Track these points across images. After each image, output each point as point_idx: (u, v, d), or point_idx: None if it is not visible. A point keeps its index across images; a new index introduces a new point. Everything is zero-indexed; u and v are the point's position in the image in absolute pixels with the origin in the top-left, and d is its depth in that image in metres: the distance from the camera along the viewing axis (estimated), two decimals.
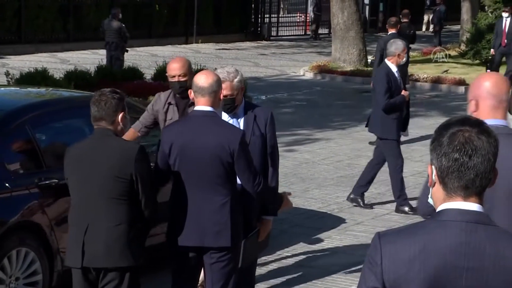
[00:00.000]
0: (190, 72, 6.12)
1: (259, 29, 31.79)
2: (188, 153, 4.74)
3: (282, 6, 39.58)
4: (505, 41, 18.04)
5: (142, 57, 22.87)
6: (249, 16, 31.58)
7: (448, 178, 2.44)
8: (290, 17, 37.76)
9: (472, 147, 2.42)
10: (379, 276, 2.41)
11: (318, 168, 10.81)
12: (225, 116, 5.20)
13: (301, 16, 36.91)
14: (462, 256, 2.37)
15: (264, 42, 30.35)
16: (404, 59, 9.09)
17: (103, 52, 19.32)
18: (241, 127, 5.18)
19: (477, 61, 21.32)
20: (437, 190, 2.49)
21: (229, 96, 5.15)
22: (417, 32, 19.89)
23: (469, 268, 2.37)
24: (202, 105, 4.82)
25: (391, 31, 13.15)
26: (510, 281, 2.37)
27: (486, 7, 23.79)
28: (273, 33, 32.29)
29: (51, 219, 5.83)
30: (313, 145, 12.42)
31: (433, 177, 2.48)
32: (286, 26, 34.08)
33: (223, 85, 5.04)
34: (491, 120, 3.54)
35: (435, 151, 2.47)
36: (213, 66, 18.14)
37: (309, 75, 21.10)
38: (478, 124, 2.46)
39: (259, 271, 6.66)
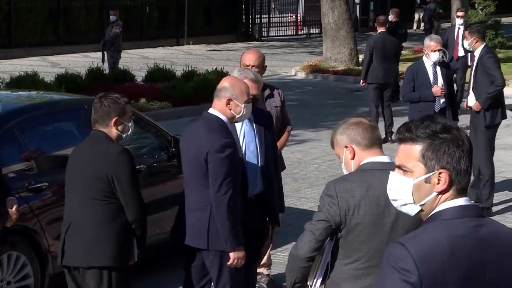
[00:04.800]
0: (263, 66, 6.29)
1: (250, 29, 31.77)
2: (183, 154, 4.94)
3: (272, 6, 39.56)
4: (457, 54, 14.73)
5: (133, 59, 22.82)
6: (239, 17, 31.55)
7: (464, 179, 2.45)
8: (281, 17, 37.75)
9: (472, 146, 2.49)
10: (418, 285, 2.34)
11: (310, 168, 10.81)
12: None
13: (292, 16, 36.91)
14: (483, 251, 2.40)
15: (255, 43, 30.32)
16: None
17: (94, 55, 19.32)
18: (253, 130, 5.19)
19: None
20: (448, 193, 2.47)
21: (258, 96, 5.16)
22: (408, 31, 19.88)
23: (491, 260, 2.41)
24: (211, 108, 4.91)
25: (380, 29, 13.16)
26: None
27: (476, 4, 23.81)
28: (264, 34, 32.26)
29: (42, 222, 5.81)
30: (305, 144, 12.42)
31: (448, 180, 2.46)
32: (277, 27, 34.07)
33: (255, 85, 5.06)
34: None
35: (448, 155, 2.44)
36: (204, 67, 18.12)
37: (300, 75, 21.09)
38: (452, 122, 2.54)
39: None
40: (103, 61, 17.54)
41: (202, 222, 4.79)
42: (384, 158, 3.65)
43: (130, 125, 4.85)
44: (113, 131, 4.75)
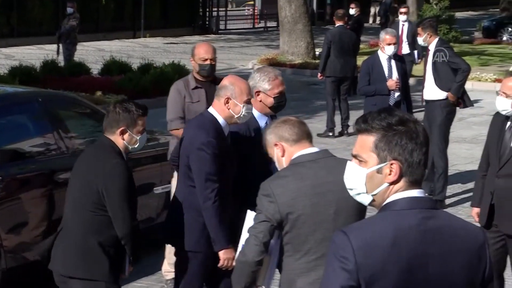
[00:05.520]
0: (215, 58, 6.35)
1: (207, 22, 31.70)
2: (180, 151, 4.83)
3: None
4: (402, 51, 14.41)
5: (89, 52, 22.60)
6: (196, 10, 31.46)
7: (417, 171, 2.48)
8: (238, 10, 37.72)
9: (428, 140, 2.51)
10: (354, 274, 2.38)
11: None
12: (262, 118, 4.91)
13: (249, 10, 36.91)
14: (427, 242, 2.41)
15: (212, 36, 30.26)
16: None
17: (49, 47, 19.09)
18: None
19: (424, 52, 21.57)
20: (399, 184, 2.49)
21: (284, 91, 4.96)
22: (364, 25, 20.01)
23: (435, 253, 2.42)
24: (210, 107, 4.80)
25: (339, 23, 13.22)
26: (469, 259, 2.46)
27: None
28: (221, 27, 32.23)
29: None
30: None
31: (398, 172, 2.48)
32: (234, 20, 34.04)
33: (277, 82, 4.84)
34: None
35: (400, 147, 2.47)
36: (161, 60, 18.03)
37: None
38: (410, 115, 2.54)
39: None
40: (58, 53, 17.35)
41: (182, 220, 4.72)
42: (313, 149, 3.69)
43: (138, 138, 4.56)
44: (118, 140, 4.52)
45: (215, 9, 32.30)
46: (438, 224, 2.44)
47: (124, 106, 4.55)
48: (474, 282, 2.46)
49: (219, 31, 31.55)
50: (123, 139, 4.52)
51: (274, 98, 4.81)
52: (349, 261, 2.38)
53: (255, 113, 4.82)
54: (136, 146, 4.59)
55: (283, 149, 3.73)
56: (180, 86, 6.25)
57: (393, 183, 2.48)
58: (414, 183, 2.48)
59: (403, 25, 15.08)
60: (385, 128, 2.47)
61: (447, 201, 8.91)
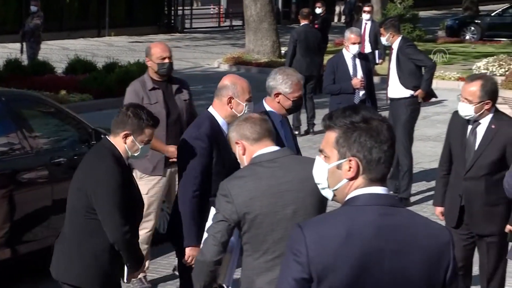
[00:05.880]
0: None
1: (172, 21, 31.59)
2: None
3: None
4: (364, 50, 13.79)
5: (53, 51, 22.40)
6: (162, 8, 31.33)
7: (377, 168, 2.50)
8: (204, 9, 37.66)
9: (390, 137, 2.52)
10: (306, 267, 2.42)
11: None
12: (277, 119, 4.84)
13: (214, 8, 36.87)
14: (383, 239, 2.43)
15: (178, 35, 30.17)
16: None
17: (12, 46, 18.86)
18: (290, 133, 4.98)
19: (387, 51, 21.72)
20: (357, 181, 2.52)
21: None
22: (331, 23, 20.08)
23: (391, 249, 2.43)
24: (210, 106, 4.74)
25: (304, 22, 13.26)
26: (427, 257, 2.46)
27: None
28: (187, 25, 32.13)
29: None
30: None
31: (356, 168, 2.50)
32: (200, 18, 33.97)
33: (299, 86, 4.79)
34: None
35: (358, 144, 2.49)
36: (126, 59, 17.91)
37: (224, 67, 21.08)
38: (377, 114, 2.56)
39: None
40: (22, 52, 17.16)
41: (181, 222, 4.67)
42: (273, 148, 3.69)
43: (141, 147, 4.42)
44: (120, 143, 4.38)
45: (181, 7, 32.18)
46: (396, 221, 2.46)
47: (136, 111, 4.41)
48: (432, 281, 2.47)
49: (185, 30, 31.45)
50: (125, 143, 4.38)
51: (293, 101, 4.79)
52: (302, 254, 2.42)
53: (270, 109, 4.81)
54: (136, 154, 4.44)
55: (244, 148, 3.75)
56: (137, 87, 6.19)
57: (352, 179, 2.51)
58: (374, 180, 2.50)
59: (365, 24, 15.07)
60: (347, 125, 2.51)
61: (412, 199, 8.99)
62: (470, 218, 5.19)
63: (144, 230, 6.17)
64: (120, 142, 4.39)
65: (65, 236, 4.44)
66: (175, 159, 6.09)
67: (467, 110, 5.08)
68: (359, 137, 2.49)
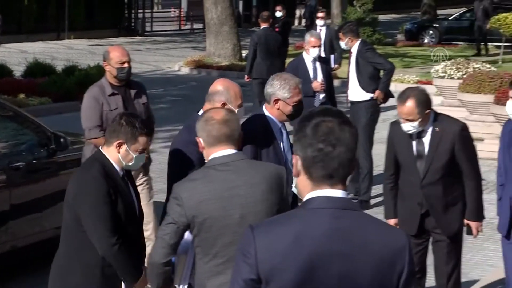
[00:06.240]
0: None
1: (132, 24, 31.43)
2: None
3: (155, 1, 39.28)
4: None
5: (11, 54, 22.15)
6: (122, 11, 31.16)
7: (313, 168, 2.49)
8: (164, 12, 37.54)
9: (336, 137, 2.48)
10: (254, 268, 2.44)
11: None
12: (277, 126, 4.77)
13: (175, 11, 36.77)
14: (334, 242, 2.43)
15: (138, 38, 30.04)
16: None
17: None
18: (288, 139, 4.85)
19: (347, 55, 21.88)
20: (302, 180, 2.54)
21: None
22: (292, 27, 20.16)
23: (340, 253, 2.42)
24: (201, 110, 4.63)
25: (264, 25, 13.30)
26: (379, 261, 2.44)
27: (354, 2, 24.47)
28: (147, 29, 32.01)
29: None
30: None
31: (298, 167, 2.53)
32: (161, 21, 33.86)
33: (297, 90, 4.74)
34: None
35: (299, 142, 2.52)
36: (86, 62, 17.78)
37: (184, 70, 21.05)
38: (340, 115, 2.53)
39: None
40: None
41: None
42: (228, 151, 3.66)
43: (135, 156, 4.30)
44: (113, 153, 4.27)
45: (141, 10, 32.05)
46: (349, 225, 2.45)
47: (129, 119, 4.31)
48: (385, 285, 2.45)
49: (145, 33, 31.33)
50: (119, 152, 4.28)
51: (293, 106, 4.72)
52: (250, 255, 2.44)
53: (269, 116, 4.73)
54: (130, 164, 4.32)
55: (202, 147, 3.74)
56: (96, 93, 6.12)
57: (297, 176, 2.53)
58: (321, 181, 2.48)
59: (320, 29, 14.86)
60: (300, 125, 2.54)
61: (372, 201, 9.06)
62: (436, 222, 5.24)
63: None
64: (114, 151, 4.29)
65: (60, 250, 4.35)
66: None
67: (412, 128, 5.10)
68: (302, 136, 2.51)
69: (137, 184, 6.13)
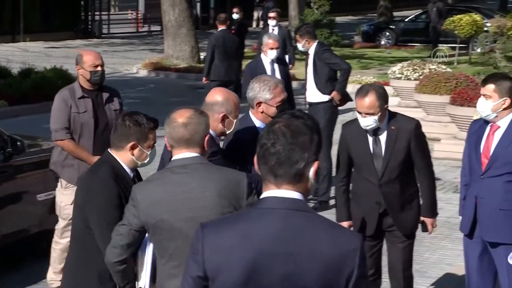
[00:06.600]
0: None
1: (89, 26, 31.19)
2: None
3: (112, 3, 39.03)
4: None
5: None
6: (78, 14, 30.91)
7: (258, 165, 2.53)
8: (121, 14, 37.32)
9: (277, 135, 2.50)
10: (201, 265, 2.48)
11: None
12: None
13: (132, 14, 36.58)
14: (280, 243, 2.43)
15: (96, 40, 29.81)
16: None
17: None
18: None
19: (299, 56, 22.01)
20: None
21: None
22: (248, 29, 20.21)
23: (286, 254, 2.43)
24: None
25: (221, 27, 13.31)
26: (326, 264, 2.44)
27: (312, 3, 24.58)
28: (105, 31, 31.79)
29: None
30: None
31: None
32: (118, 24, 33.66)
33: (278, 90, 4.69)
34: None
35: (258, 141, 2.55)
36: (42, 65, 17.59)
37: (143, 73, 20.95)
38: (292, 116, 2.54)
39: None
40: None
41: None
42: (187, 155, 3.61)
43: (149, 153, 4.19)
44: (126, 156, 4.13)
45: (98, 13, 31.82)
46: (296, 225, 2.44)
47: (134, 119, 4.17)
48: (331, 287, 2.43)
49: (102, 35, 31.11)
50: (133, 155, 4.15)
51: (276, 107, 4.68)
52: (198, 252, 2.49)
53: (257, 122, 4.67)
54: (146, 161, 4.23)
55: (168, 147, 3.73)
56: (66, 95, 6.08)
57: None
58: (267, 179, 2.49)
59: (272, 30, 14.89)
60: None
61: (332, 202, 9.12)
62: (393, 221, 5.28)
63: (66, 239, 6.09)
64: (127, 155, 4.15)
65: (72, 255, 4.27)
66: None
67: (372, 122, 5.12)
68: (261, 135, 2.55)
69: None
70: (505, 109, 5.12)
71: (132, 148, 4.14)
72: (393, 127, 5.19)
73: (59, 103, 6.05)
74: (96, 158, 5.94)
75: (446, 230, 8.11)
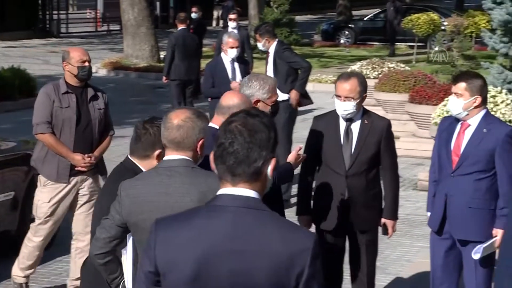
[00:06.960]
0: None
1: (47, 25, 30.86)
2: None
3: (71, 2, 38.66)
4: None
5: None
6: (36, 13, 30.56)
7: (216, 163, 2.53)
8: (80, 13, 37.00)
9: (234, 135, 2.50)
10: (152, 260, 2.49)
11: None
12: None
13: (91, 13, 36.28)
14: (229, 240, 2.44)
15: (54, 39, 29.51)
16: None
17: None
18: None
19: (258, 55, 22.05)
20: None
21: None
22: (208, 28, 20.19)
23: (234, 251, 2.43)
24: (211, 123, 4.31)
25: (181, 26, 13.28)
26: (275, 262, 2.44)
27: (271, 3, 24.66)
28: (63, 30, 31.49)
29: None
30: None
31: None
32: (76, 23, 33.36)
33: (274, 89, 4.71)
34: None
35: (215, 141, 2.56)
36: (0, 64, 17.39)
37: (102, 72, 20.79)
38: (248, 114, 2.54)
39: None
40: None
41: None
42: (176, 156, 3.59)
43: None
44: (153, 164, 3.99)
45: (56, 12, 31.49)
46: (248, 223, 2.45)
47: (152, 125, 4.06)
48: (281, 285, 2.43)
49: (61, 35, 30.80)
50: (158, 161, 3.99)
51: (271, 106, 4.69)
52: (150, 248, 2.51)
53: None
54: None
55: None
56: (49, 90, 6.01)
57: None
58: (224, 178, 2.50)
59: (232, 31, 15.06)
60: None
61: (293, 200, 9.15)
62: (355, 218, 5.28)
63: (39, 238, 6.04)
64: (153, 163, 4.04)
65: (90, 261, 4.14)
66: (81, 168, 5.98)
67: (350, 107, 5.14)
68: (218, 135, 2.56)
69: (83, 193, 6.04)
70: (476, 107, 5.09)
71: (159, 156, 4.05)
72: (366, 121, 5.23)
73: (42, 97, 5.99)
74: (76, 155, 5.90)
75: (406, 227, 8.20)
